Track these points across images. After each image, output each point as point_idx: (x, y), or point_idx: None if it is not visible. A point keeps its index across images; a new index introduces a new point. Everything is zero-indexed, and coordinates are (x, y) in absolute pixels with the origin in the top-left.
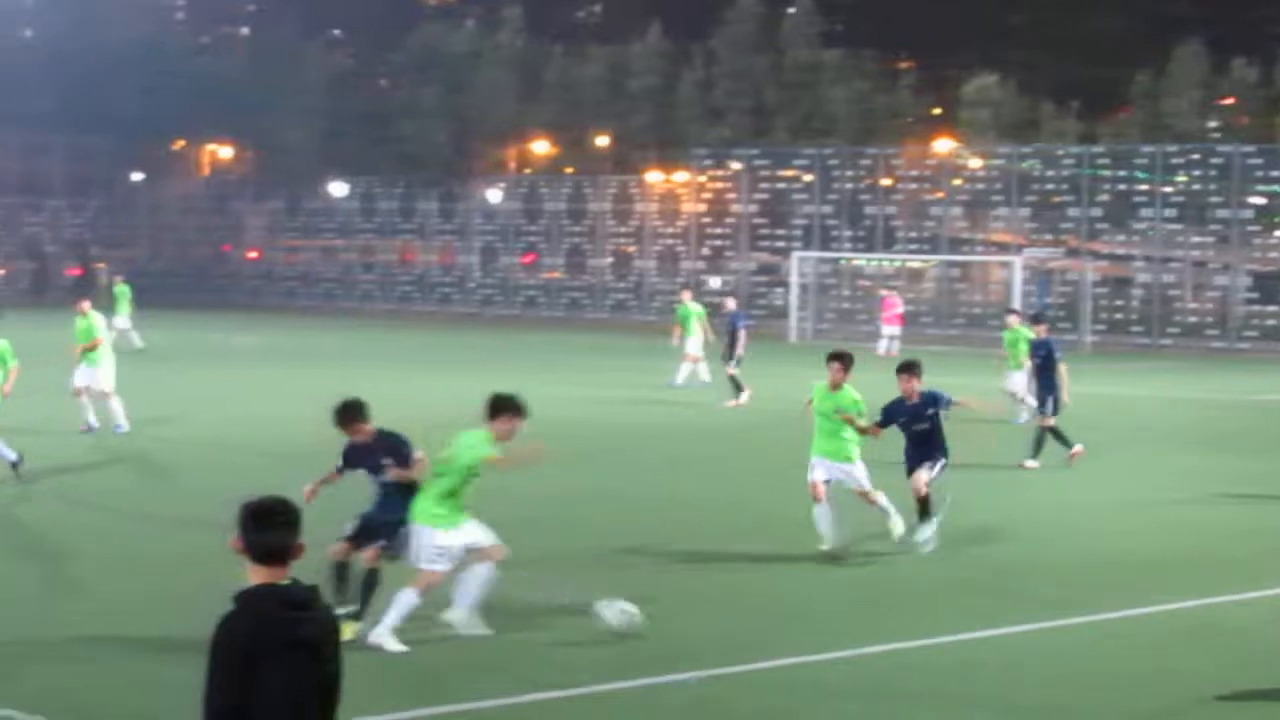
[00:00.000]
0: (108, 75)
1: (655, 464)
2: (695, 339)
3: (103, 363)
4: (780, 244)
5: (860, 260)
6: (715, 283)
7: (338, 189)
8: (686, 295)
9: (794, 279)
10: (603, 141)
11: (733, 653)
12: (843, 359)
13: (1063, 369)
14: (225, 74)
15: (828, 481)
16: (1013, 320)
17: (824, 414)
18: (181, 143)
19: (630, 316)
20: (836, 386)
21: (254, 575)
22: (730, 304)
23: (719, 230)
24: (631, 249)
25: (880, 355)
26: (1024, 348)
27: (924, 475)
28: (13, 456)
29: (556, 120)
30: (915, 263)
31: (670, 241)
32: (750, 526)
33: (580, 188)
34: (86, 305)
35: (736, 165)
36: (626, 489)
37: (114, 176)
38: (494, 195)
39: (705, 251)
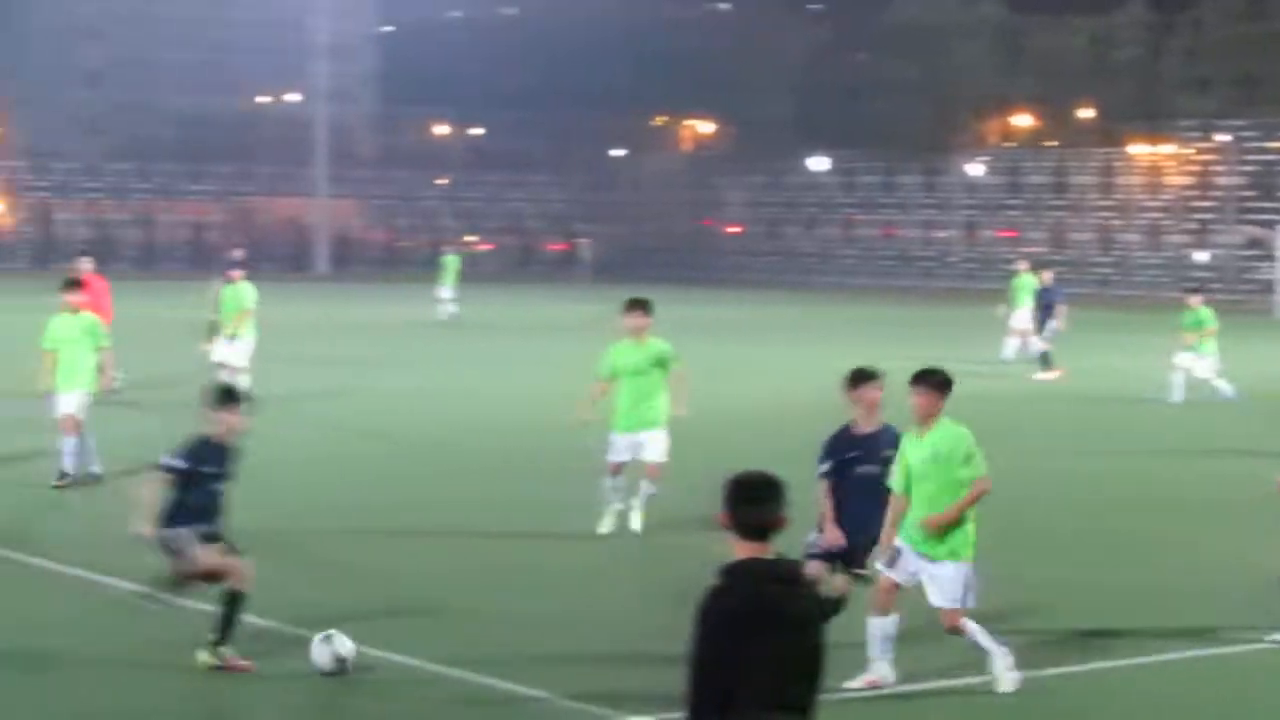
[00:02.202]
0: (590, 52)
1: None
2: (1024, 311)
3: (242, 338)
4: (1268, 217)
5: None
6: (1203, 257)
7: (817, 164)
8: (1023, 265)
9: None
10: (1086, 113)
11: None
12: (645, 306)
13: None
14: (706, 49)
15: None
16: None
17: (635, 372)
18: (663, 118)
19: (1112, 291)
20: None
21: (739, 550)
22: (1048, 277)
23: (1204, 204)
24: (1115, 223)
25: None
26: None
27: None
28: None
29: (1038, 93)
30: None
31: (1154, 215)
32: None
33: (1063, 161)
34: (238, 275)
35: (1223, 137)
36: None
37: (595, 152)
38: (975, 169)
39: (1191, 225)
